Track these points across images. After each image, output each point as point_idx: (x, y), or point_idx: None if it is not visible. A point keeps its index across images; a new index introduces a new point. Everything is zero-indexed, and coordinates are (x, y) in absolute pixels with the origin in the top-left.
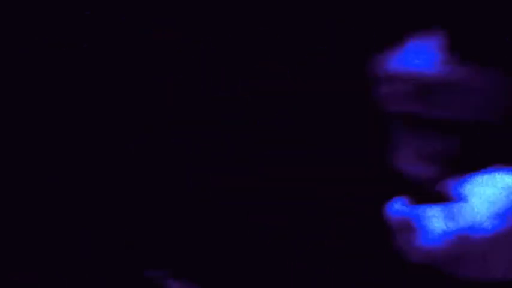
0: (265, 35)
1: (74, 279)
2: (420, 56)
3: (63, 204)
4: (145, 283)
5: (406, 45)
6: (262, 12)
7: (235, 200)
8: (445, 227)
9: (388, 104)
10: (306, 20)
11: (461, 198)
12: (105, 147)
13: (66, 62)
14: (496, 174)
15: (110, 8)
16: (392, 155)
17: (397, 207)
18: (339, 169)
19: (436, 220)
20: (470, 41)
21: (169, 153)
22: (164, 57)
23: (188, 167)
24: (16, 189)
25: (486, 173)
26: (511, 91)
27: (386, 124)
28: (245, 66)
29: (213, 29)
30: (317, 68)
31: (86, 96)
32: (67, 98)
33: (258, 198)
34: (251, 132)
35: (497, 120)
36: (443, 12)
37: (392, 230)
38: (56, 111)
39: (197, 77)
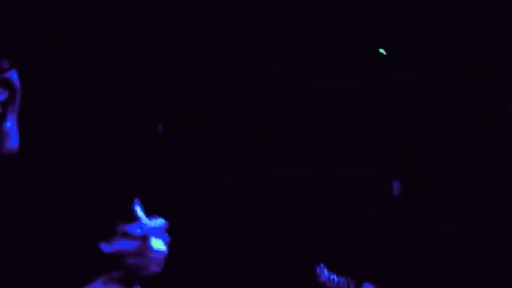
0: (265, 35)
1: (74, 279)
2: None
3: (63, 204)
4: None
5: None
6: (262, 12)
7: (235, 200)
8: None
9: None
10: (305, 20)
11: None
12: (105, 147)
13: (66, 62)
14: None
15: (109, 8)
16: None
17: None
18: (339, 169)
19: None
20: None
21: (169, 153)
22: (164, 57)
23: (188, 167)
24: (16, 189)
25: None
26: None
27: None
28: (245, 66)
29: (213, 29)
30: (317, 68)
31: (86, 96)
32: (67, 97)
33: (258, 198)
34: (251, 132)
35: None
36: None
37: None
38: (56, 111)
39: (197, 77)
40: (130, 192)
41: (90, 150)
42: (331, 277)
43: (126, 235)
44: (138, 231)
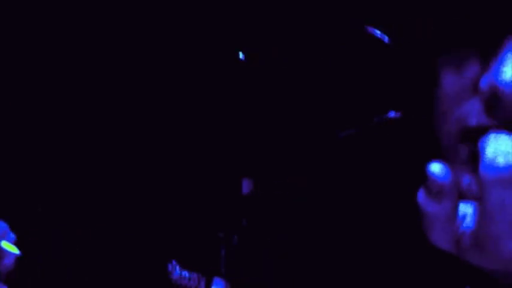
0: (266, 35)
1: (74, 279)
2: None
3: (63, 204)
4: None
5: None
6: (263, 13)
7: (235, 200)
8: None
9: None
10: (306, 20)
11: None
12: (105, 147)
13: (66, 62)
14: None
15: (109, 8)
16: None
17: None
18: (339, 169)
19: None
20: None
21: (169, 153)
22: (164, 57)
23: (188, 167)
24: (16, 189)
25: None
26: None
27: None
28: (245, 66)
29: (213, 29)
30: (317, 69)
31: (86, 96)
32: (67, 98)
33: (258, 198)
34: (251, 132)
35: None
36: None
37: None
38: (56, 111)
39: (197, 77)
40: (130, 191)
41: (89, 151)
42: (183, 273)
43: None
44: None
